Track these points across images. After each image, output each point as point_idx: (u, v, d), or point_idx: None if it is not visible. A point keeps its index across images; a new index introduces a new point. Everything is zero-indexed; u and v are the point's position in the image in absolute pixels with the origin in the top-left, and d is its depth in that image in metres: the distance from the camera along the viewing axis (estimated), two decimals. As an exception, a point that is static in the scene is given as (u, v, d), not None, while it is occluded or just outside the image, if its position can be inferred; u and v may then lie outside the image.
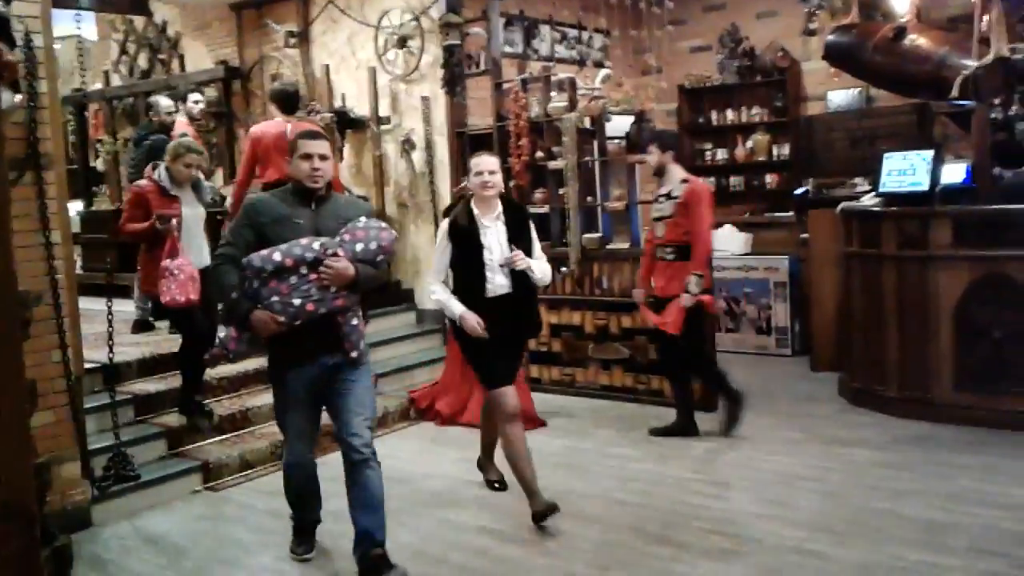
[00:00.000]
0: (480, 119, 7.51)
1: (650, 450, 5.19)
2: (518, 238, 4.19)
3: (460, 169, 7.39)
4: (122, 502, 4.51)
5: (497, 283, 4.15)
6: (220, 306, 3.65)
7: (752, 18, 8.73)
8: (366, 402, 3.64)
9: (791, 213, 8.20)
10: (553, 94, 6.87)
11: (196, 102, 7.35)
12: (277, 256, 3.36)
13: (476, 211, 4.18)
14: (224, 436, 5.30)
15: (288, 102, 6.31)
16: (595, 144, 6.74)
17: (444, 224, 4.27)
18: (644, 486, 4.59)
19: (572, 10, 8.48)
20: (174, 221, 4.92)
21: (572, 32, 8.35)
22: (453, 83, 7.14)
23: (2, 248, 1.27)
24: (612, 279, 6.49)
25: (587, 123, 6.68)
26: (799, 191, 8.03)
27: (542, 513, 4.03)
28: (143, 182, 5.02)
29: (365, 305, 3.66)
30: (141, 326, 6.68)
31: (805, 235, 7.39)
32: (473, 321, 4.07)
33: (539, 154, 6.80)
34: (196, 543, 4.19)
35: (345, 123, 7.65)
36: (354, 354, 3.57)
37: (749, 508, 4.23)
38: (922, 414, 5.41)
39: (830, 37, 6.59)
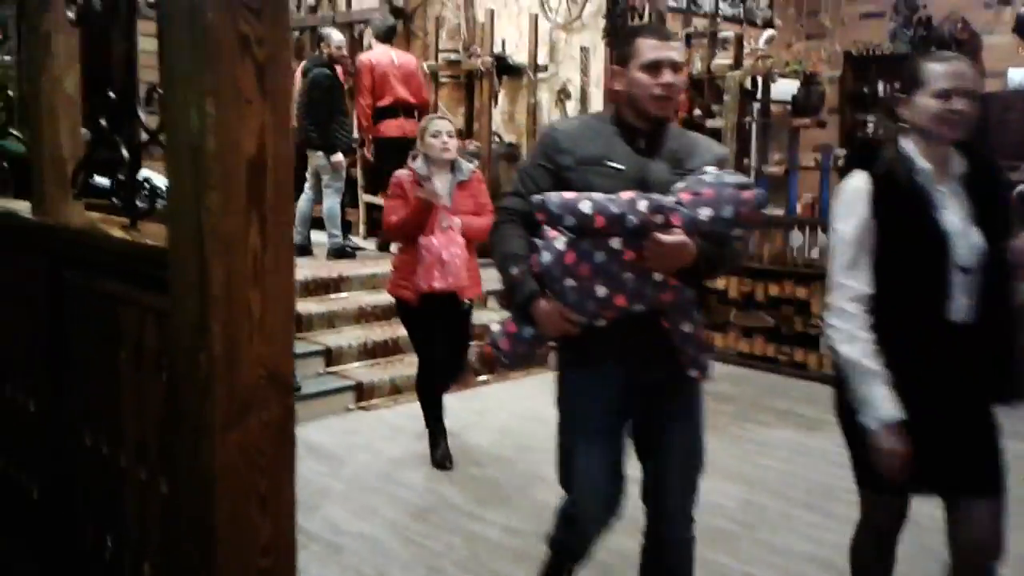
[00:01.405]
0: (638, 73, 7.45)
1: (790, 420, 5.12)
2: (988, 217, 2.21)
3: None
4: (284, 410, 4.81)
5: (960, 301, 2.18)
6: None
7: (932, -15, 8.27)
8: (695, 463, 2.46)
9: (955, 194, 7.82)
10: (717, 51, 6.74)
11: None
12: (586, 207, 2.08)
13: (924, 165, 2.20)
14: (376, 360, 5.52)
15: (391, 33, 7.10)
16: (754, 105, 6.61)
17: (856, 182, 2.24)
18: (786, 454, 4.54)
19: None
20: (438, 184, 4.03)
21: (738, -10, 8.13)
22: (616, 34, 7.08)
23: (285, 140, 1.36)
24: (762, 245, 6.36)
25: (748, 83, 6.54)
26: (967, 172, 7.62)
27: None
28: (401, 171, 4.26)
29: (704, 300, 2.54)
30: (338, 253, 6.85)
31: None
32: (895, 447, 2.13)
33: (697, 112, 6.69)
34: (352, 455, 4.41)
35: (502, 69, 7.71)
36: (692, 373, 2.37)
37: (900, 486, 4.13)
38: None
39: (1023, 9, 6.20)
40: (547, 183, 2.28)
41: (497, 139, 7.71)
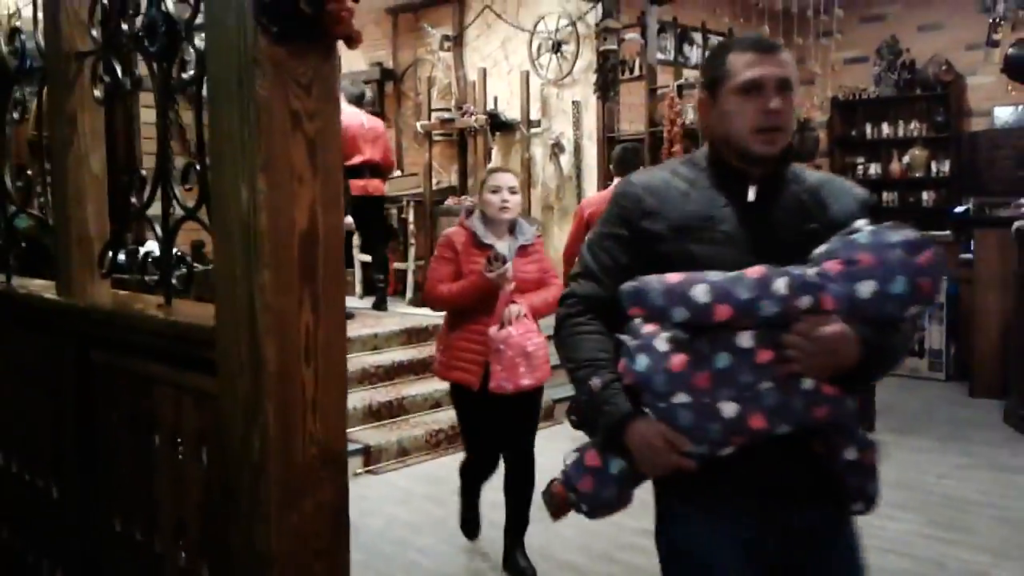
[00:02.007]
0: (629, 125, 7.52)
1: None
2: None
3: (607, 174, 7.42)
4: (294, 478, 4.72)
5: None
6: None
7: (913, 30, 8.45)
8: None
9: (948, 232, 7.89)
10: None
11: None
12: (701, 294, 1.54)
13: None
14: (381, 422, 5.45)
15: (361, 98, 7.38)
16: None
17: None
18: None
19: (730, 16, 8.39)
20: (509, 265, 3.33)
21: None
22: (607, 88, 7.16)
23: (336, 214, 1.34)
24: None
25: (741, 131, 6.62)
26: (959, 210, 7.70)
27: None
28: (452, 228, 3.60)
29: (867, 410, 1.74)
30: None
31: (966, 255, 7.09)
32: None
33: (692, 161, 6.75)
34: (364, 522, 4.31)
35: (496, 126, 7.77)
36: (857, 507, 1.74)
37: (924, 531, 4.08)
38: (1106, 447, 5.04)
39: (1011, 50, 6.33)
40: (626, 258, 1.71)
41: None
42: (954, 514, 4.27)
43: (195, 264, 1.87)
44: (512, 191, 3.47)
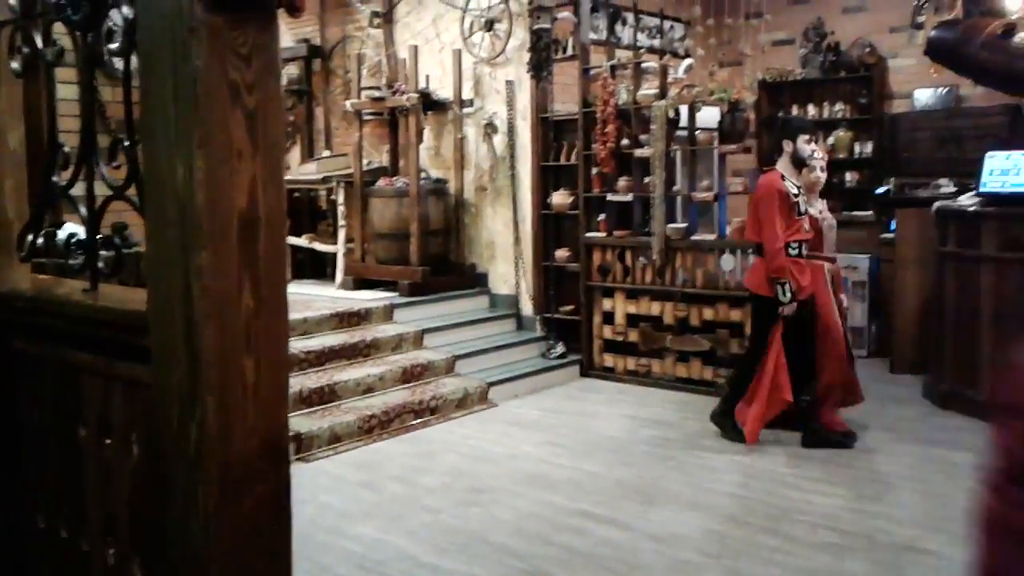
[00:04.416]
0: (562, 105, 7.49)
1: (736, 443, 5.15)
2: None
3: (541, 154, 7.38)
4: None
5: None
6: None
7: (838, 13, 8.62)
8: None
9: (870, 212, 8.10)
10: (641, 82, 6.85)
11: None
12: None
13: None
14: (312, 409, 5.35)
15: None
16: (676, 133, 6.72)
17: None
18: (739, 478, 4.56)
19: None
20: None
21: (654, 21, 8.29)
22: (540, 67, 7.10)
23: (278, 193, 1.28)
24: (695, 270, 6.44)
25: (671, 112, 6.65)
26: (880, 190, 7.91)
27: None
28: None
29: None
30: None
31: (887, 235, 7.29)
32: None
33: (625, 141, 6.77)
34: (296, 511, 4.20)
35: (428, 105, 7.66)
36: None
37: (852, 504, 4.18)
38: (1019, 420, 5.28)
39: (933, 32, 6.49)
40: None
41: (425, 175, 7.64)
42: (880, 488, 4.39)
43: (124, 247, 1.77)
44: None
